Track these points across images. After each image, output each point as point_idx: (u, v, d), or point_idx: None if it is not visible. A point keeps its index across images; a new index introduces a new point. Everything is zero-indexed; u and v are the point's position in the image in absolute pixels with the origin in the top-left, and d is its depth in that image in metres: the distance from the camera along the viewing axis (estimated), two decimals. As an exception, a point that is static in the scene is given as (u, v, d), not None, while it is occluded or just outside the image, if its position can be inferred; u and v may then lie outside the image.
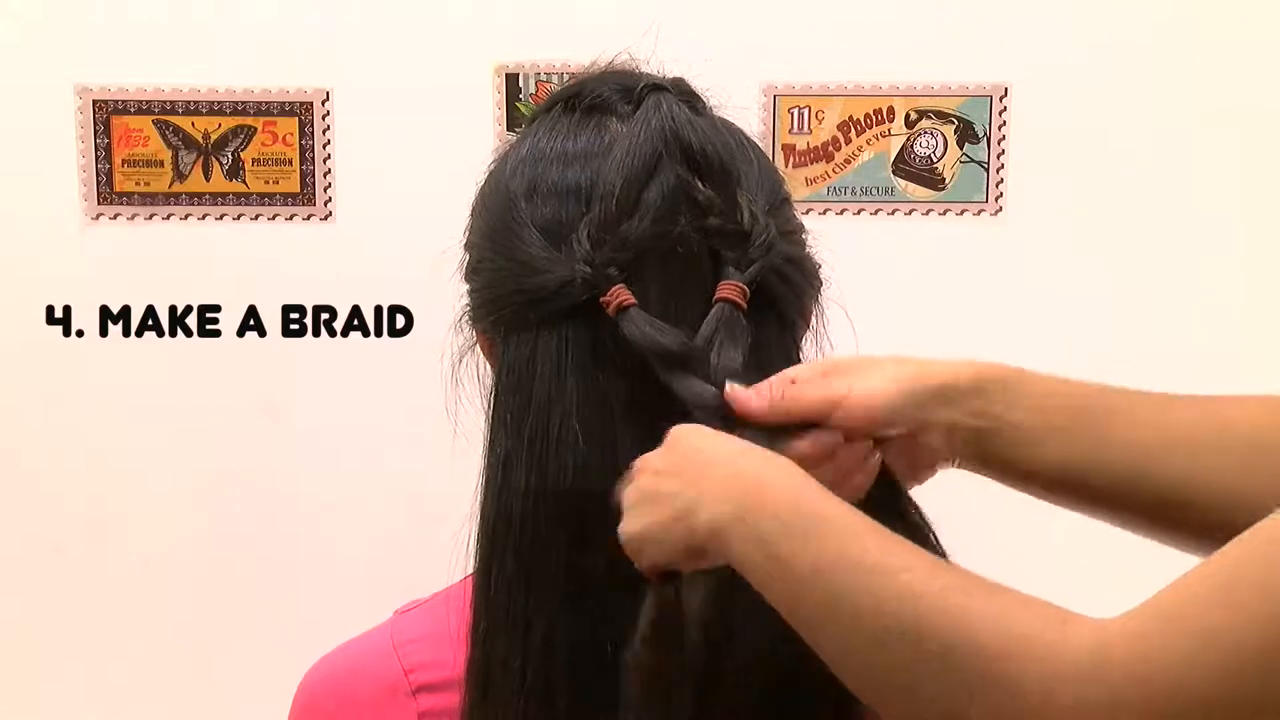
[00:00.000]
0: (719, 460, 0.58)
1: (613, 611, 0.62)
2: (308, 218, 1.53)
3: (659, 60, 0.73)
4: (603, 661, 0.62)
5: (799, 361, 0.69)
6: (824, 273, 0.71)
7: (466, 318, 0.71)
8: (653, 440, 0.62)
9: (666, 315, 0.63)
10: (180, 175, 1.51)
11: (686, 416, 0.62)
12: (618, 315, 0.62)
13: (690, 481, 0.58)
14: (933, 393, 0.62)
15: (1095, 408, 0.65)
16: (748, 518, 0.55)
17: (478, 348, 0.71)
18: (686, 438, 0.60)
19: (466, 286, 0.70)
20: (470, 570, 0.68)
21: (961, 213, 1.57)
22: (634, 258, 0.63)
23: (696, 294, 0.64)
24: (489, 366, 0.70)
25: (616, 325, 0.63)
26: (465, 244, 0.71)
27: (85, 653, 1.55)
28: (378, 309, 1.53)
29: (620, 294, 0.62)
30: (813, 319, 0.70)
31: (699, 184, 0.64)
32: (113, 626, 1.55)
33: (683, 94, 0.68)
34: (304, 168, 1.52)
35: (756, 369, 0.64)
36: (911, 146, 1.56)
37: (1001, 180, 1.56)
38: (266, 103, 1.51)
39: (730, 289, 0.64)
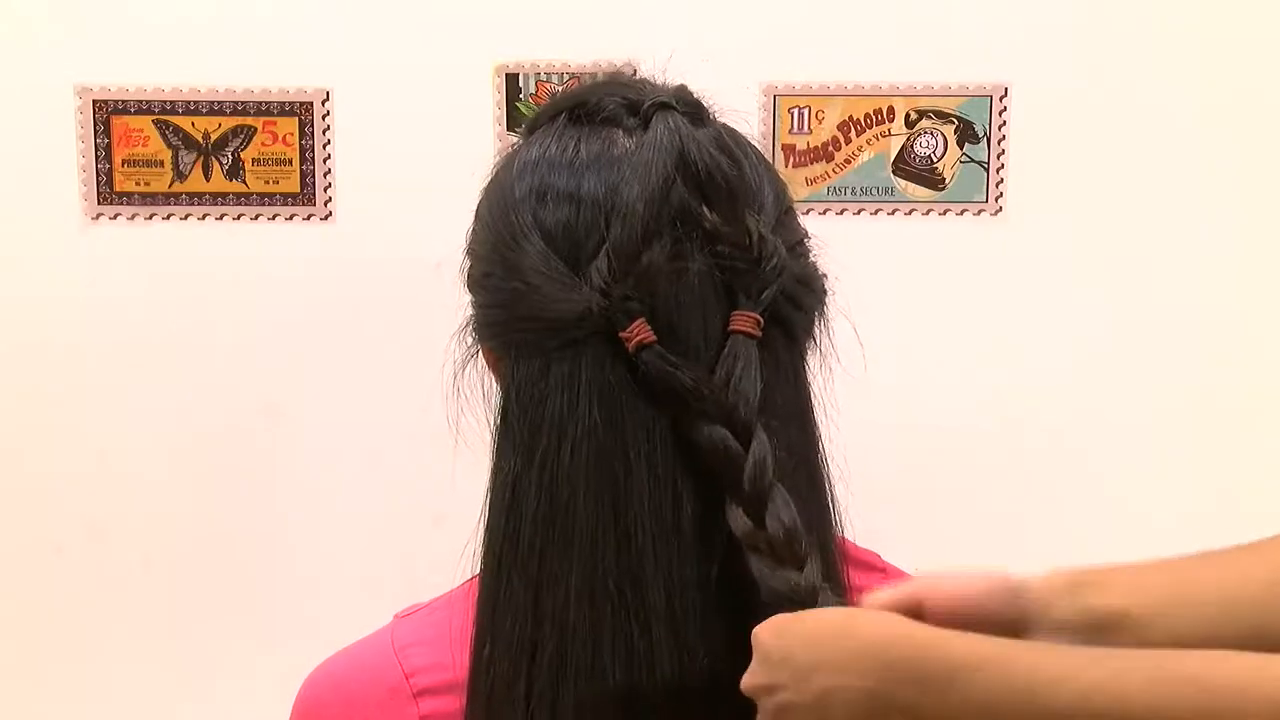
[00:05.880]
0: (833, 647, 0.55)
1: (621, 637, 0.62)
2: (308, 218, 1.53)
3: (659, 61, 0.73)
4: (610, 688, 0.62)
5: (807, 379, 0.69)
6: (826, 279, 0.71)
7: (470, 329, 0.70)
8: (663, 465, 0.62)
9: (680, 344, 0.63)
10: (180, 175, 1.51)
11: (699, 454, 0.62)
12: (637, 352, 0.62)
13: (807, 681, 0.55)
14: (1030, 591, 0.61)
15: (1188, 569, 0.63)
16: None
17: (478, 357, 0.71)
18: (784, 643, 0.57)
19: (470, 297, 0.70)
20: (472, 574, 0.67)
21: (961, 213, 1.57)
22: (650, 288, 0.63)
23: (709, 320, 0.64)
24: (493, 378, 0.70)
25: (632, 355, 0.63)
26: (468, 250, 0.71)
27: (85, 653, 1.55)
28: (378, 309, 1.53)
29: (641, 330, 0.62)
30: (817, 329, 0.70)
31: (707, 211, 0.64)
32: (113, 626, 1.55)
33: (687, 106, 0.68)
34: (304, 168, 1.52)
35: (766, 389, 0.64)
36: (911, 146, 1.56)
37: (1001, 180, 1.56)
38: (266, 103, 1.51)
39: (744, 321, 0.64)
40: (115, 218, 1.51)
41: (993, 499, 1.59)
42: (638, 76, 0.73)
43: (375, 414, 1.54)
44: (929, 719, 0.52)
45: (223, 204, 1.52)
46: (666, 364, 0.62)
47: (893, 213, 1.57)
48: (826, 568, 0.63)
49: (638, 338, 0.62)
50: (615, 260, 0.63)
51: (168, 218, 1.52)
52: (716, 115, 0.71)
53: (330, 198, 1.53)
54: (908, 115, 1.55)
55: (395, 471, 1.53)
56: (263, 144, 1.51)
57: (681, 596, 0.63)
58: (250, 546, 1.55)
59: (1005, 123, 1.55)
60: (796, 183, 1.54)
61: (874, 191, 1.56)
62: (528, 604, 0.63)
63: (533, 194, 0.66)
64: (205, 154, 1.51)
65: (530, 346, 0.65)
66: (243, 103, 1.51)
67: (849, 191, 1.56)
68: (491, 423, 0.68)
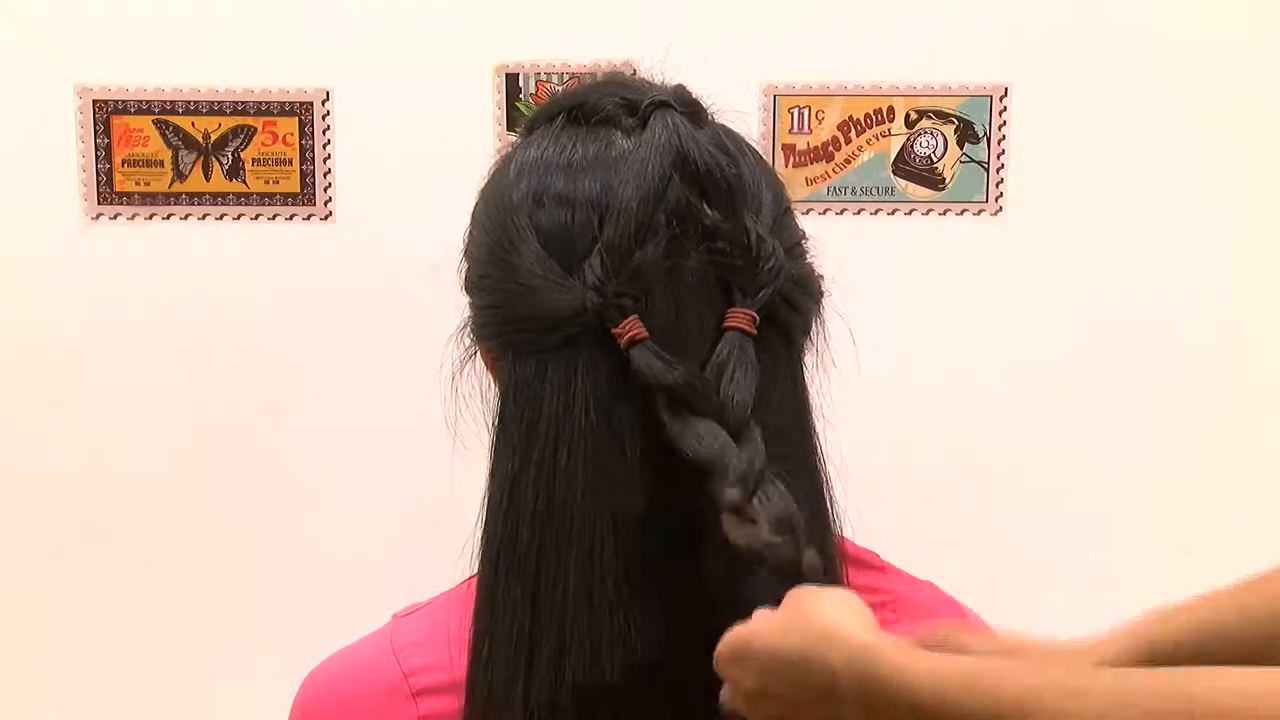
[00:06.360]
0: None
1: (619, 636, 0.62)
2: (308, 218, 1.53)
3: (659, 62, 0.73)
4: (608, 687, 0.62)
5: (804, 381, 0.69)
6: (824, 280, 0.71)
7: (468, 330, 0.70)
8: (660, 465, 0.62)
9: (675, 341, 0.63)
10: (180, 175, 1.51)
11: (690, 449, 0.61)
12: (628, 348, 0.62)
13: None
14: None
15: (1199, 610, 0.62)
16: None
17: (477, 358, 0.71)
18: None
19: (468, 299, 0.70)
20: (470, 574, 0.67)
21: (961, 213, 1.57)
22: (644, 285, 0.63)
23: (705, 318, 0.64)
24: (490, 379, 0.70)
25: (624, 351, 0.62)
26: (465, 252, 0.71)
27: (85, 653, 1.55)
28: (378, 309, 1.53)
29: (633, 327, 0.62)
30: (814, 330, 0.70)
31: (705, 208, 0.64)
32: (113, 626, 1.55)
33: (685, 105, 0.67)
34: (304, 168, 1.52)
35: (763, 389, 0.64)
36: (911, 146, 1.56)
37: (1001, 180, 1.56)
38: (266, 103, 1.51)
39: (740, 317, 0.64)
40: (115, 218, 1.51)
41: (992, 499, 1.59)
42: (636, 76, 0.72)
43: (375, 414, 1.54)
44: None
45: (223, 204, 1.52)
46: (658, 360, 0.62)
47: (893, 213, 1.57)
48: (826, 566, 0.63)
49: (630, 334, 0.62)
50: (609, 257, 0.63)
51: (168, 218, 1.52)
52: (715, 115, 0.70)
53: (330, 198, 1.53)
54: (908, 115, 1.55)
55: (395, 471, 1.53)
56: (263, 144, 1.51)
57: (678, 595, 0.63)
58: (250, 546, 1.55)
59: (1005, 123, 1.55)
60: (796, 183, 1.54)
61: (874, 191, 1.56)
62: (525, 604, 0.63)
63: (530, 196, 0.66)
64: (205, 154, 1.51)
65: (526, 346, 0.65)
66: (243, 103, 1.51)
67: (849, 191, 1.56)
68: (489, 423, 0.68)
